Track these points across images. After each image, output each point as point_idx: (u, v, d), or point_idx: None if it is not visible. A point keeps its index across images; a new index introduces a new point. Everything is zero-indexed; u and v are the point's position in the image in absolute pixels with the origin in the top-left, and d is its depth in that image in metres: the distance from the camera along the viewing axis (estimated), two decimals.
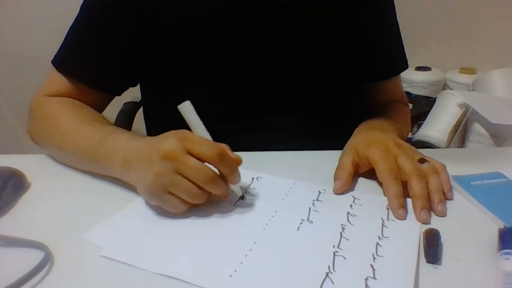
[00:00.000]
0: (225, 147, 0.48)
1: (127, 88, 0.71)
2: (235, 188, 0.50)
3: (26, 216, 0.50)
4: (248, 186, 0.55)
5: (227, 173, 0.47)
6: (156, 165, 0.45)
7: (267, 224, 0.47)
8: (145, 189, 0.47)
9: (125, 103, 0.97)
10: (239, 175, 0.48)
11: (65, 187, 0.56)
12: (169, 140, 0.45)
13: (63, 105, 0.63)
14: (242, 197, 0.51)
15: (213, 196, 0.48)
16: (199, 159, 0.45)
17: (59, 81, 0.65)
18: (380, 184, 0.54)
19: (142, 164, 0.47)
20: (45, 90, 0.66)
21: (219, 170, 0.46)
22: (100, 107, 0.69)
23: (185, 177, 0.44)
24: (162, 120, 0.75)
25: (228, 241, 0.44)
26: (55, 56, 0.66)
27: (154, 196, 0.46)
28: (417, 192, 0.50)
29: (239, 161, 0.48)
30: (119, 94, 0.71)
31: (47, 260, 0.41)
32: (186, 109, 0.47)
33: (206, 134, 0.48)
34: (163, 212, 0.48)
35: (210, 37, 0.64)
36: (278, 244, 0.44)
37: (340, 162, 0.58)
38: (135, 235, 0.45)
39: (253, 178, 0.57)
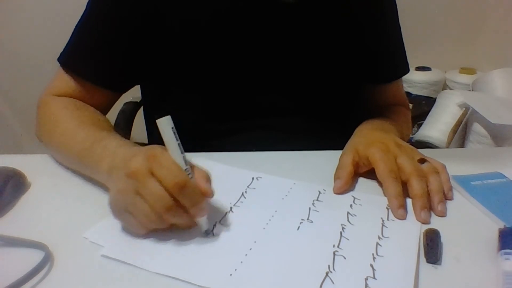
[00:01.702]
0: (201, 175, 0.44)
1: (131, 86, 0.72)
2: (201, 221, 0.44)
3: (26, 216, 0.50)
4: (247, 187, 0.55)
5: (187, 205, 0.42)
6: (121, 181, 0.43)
7: (267, 223, 0.47)
8: (109, 202, 0.45)
9: (125, 103, 0.97)
10: (203, 209, 0.43)
11: (65, 187, 0.56)
12: (137, 157, 0.42)
13: (65, 106, 0.64)
14: (207, 232, 0.45)
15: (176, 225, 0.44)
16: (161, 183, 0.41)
17: (66, 80, 0.66)
18: (380, 184, 0.54)
19: (114, 175, 0.45)
20: (52, 89, 0.67)
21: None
22: (105, 107, 0.70)
23: (145, 200, 0.41)
24: None
25: (228, 241, 0.44)
26: (61, 54, 0.67)
27: (115, 212, 0.44)
28: (417, 192, 0.50)
29: (207, 194, 0.43)
30: (124, 92, 0.71)
31: (47, 260, 0.41)
32: (164, 125, 0.42)
33: (178, 156, 0.42)
34: None
35: (211, 37, 0.64)
36: (278, 244, 0.44)
37: (341, 161, 0.58)
38: (135, 235, 0.45)
39: (253, 178, 0.57)
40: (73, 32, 0.66)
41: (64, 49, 0.66)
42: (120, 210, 0.44)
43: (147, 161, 0.42)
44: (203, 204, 0.43)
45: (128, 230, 0.45)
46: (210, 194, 0.43)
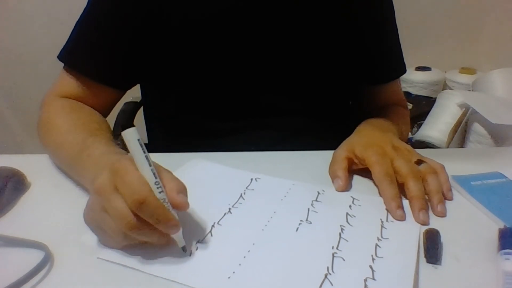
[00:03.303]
0: (173, 187, 0.41)
1: (134, 84, 0.72)
2: (176, 237, 0.41)
3: (26, 216, 0.50)
4: (246, 188, 0.55)
5: (152, 222, 0.38)
6: (90, 197, 0.42)
7: (265, 225, 0.47)
8: (83, 216, 0.44)
9: (125, 103, 0.97)
10: (172, 226, 0.39)
11: (65, 187, 0.56)
12: (104, 173, 0.40)
13: (63, 108, 0.64)
14: (183, 249, 0.42)
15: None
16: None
17: (68, 79, 0.66)
18: None
19: (90, 190, 0.44)
20: (55, 89, 0.67)
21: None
22: (108, 106, 0.70)
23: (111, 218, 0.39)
24: (162, 120, 0.75)
25: (226, 243, 0.44)
26: (61, 51, 0.66)
27: (90, 227, 0.43)
28: (414, 193, 0.50)
29: (179, 206, 0.40)
30: (126, 89, 0.71)
31: (47, 260, 0.41)
32: (130, 137, 0.40)
33: (146, 169, 0.39)
34: None
35: (212, 36, 0.64)
36: (277, 246, 0.44)
37: (335, 156, 0.58)
38: None
39: (251, 179, 0.57)
40: (74, 29, 0.66)
41: (64, 46, 0.66)
42: (92, 226, 0.43)
43: (112, 177, 0.39)
44: (171, 221, 0.39)
45: (104, 244, 0.43)
46: (184, 206, 0.40)
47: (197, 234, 0.45)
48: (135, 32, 0.65)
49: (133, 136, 0.40)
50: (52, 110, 0.64)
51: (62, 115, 0.62)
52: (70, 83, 0.66)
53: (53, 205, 0.52)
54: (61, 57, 0.66)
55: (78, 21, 0.66)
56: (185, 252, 0.42)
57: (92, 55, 0.65)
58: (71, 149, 0.54)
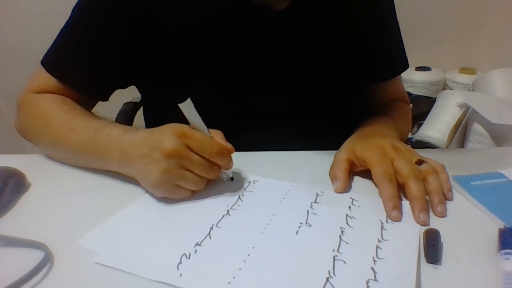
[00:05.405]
0: (220, 134, 0.54)
1: (113, 92, 0.71)
2: (228, 171, 0.55)
3: (26, 216, 0.50)
4: (244, 190, 0.54)
5: (224, 165, 0.52)
6: (161, 162, 0.48)
7: (265, 228, 0.46)
8: (152, 184, 0.50)
9: (125, 103, 0.97)
10: (232, 164, 0.53)
11: (65, 187, 0.56)
12: (170, 138, 0.48)
13: (53, 101, 0.63)
14: (232, 179, 0.56)
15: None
16: (198, 154, 0.49)
17: (46, 79, 0.65)
18: None
19: (144, 160, 0.49)
20: (32, 87, 0.66)
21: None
22: (84, 107, 0.69)
23: (190, 171, 0.49)
24: (162, 120, 0.75)
25: (226, 247, 0.43)
26: (44, 56, 0.66)
27: (162, 189, 0.50)
28: (415, 194, 0.50)
29: (232, 151, 0.53)
30: (105, 100, 0.70)
31: (47, 260, 0.41)
32: (187, 107, 0.49)
33: (205, 131, 0.51)
34: (158, 217, 0.48)
35: (208, 39, 0.64)
36: (277, 249, 0.43)
37: (335, 158, 0.58)
38: (130, 241, 0.44)
39: (249, 182, 0.56)
40: (58, 34, 0.65)
41: (48, 51, 0.65)
42: (168, 186, 0.49)
43: (181, 139, 0.48)
44: (231, 160, 0.53)
45: (174, 199, 0.51)
46: (233, 149, 0.53)
47: (195, 236, 0.45)
48: (123, 41, 0.63)
49: (190, 105, 0.49)
50: (42, 104, 0.63)
51: (56, 108, 0.62)
52: (48, 82, 0.65)
53: (53, 205, 0.52)
54: (43, 62, 0.65)
55: (63, 28, 0.65)
56: (232, 181, 0.56)
57: (75, 65, 0.64)
58: (84, 132, 0.56)
